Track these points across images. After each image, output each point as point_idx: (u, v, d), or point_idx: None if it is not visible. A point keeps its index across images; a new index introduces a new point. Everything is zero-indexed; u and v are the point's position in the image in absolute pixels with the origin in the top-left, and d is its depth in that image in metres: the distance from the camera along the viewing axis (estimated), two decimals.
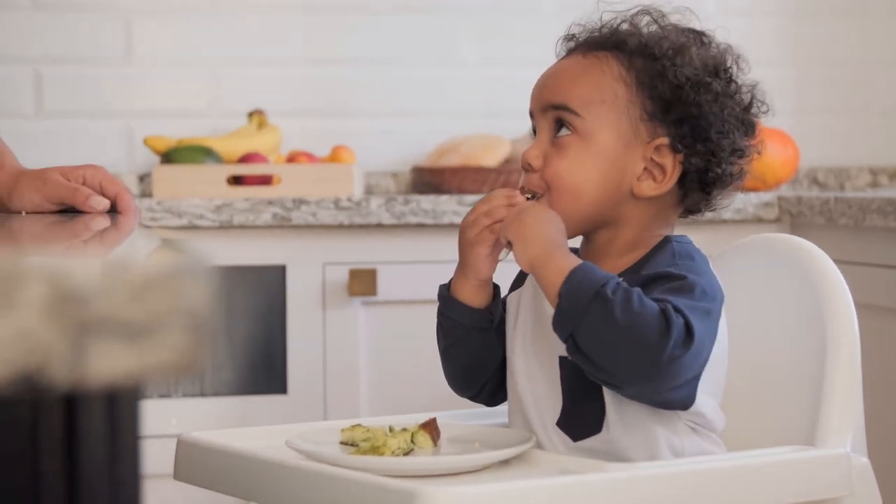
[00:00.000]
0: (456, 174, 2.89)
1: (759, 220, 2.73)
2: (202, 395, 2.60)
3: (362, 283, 2.62)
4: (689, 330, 1.48)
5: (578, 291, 1.49)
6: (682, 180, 1.64)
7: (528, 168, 1.64)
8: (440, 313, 1.69)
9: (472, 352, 1.69)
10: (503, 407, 1.73)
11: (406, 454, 1.55)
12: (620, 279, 1.52)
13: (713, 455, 1.58)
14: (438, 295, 1.69)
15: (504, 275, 1.68)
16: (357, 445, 1.57)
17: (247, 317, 2.63)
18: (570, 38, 1.70)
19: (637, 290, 1.49)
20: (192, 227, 2.60)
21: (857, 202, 2.42)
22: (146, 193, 2.99)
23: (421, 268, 2.64)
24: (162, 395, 2.60)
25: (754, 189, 2.88)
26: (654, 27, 1.67)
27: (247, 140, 2.95)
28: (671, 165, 1.62)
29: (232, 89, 3.10)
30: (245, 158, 2.86)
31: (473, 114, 3.16)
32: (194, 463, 1.62)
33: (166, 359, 0.64)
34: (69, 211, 1.78)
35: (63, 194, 1.77)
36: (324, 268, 2.63)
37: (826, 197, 2.55)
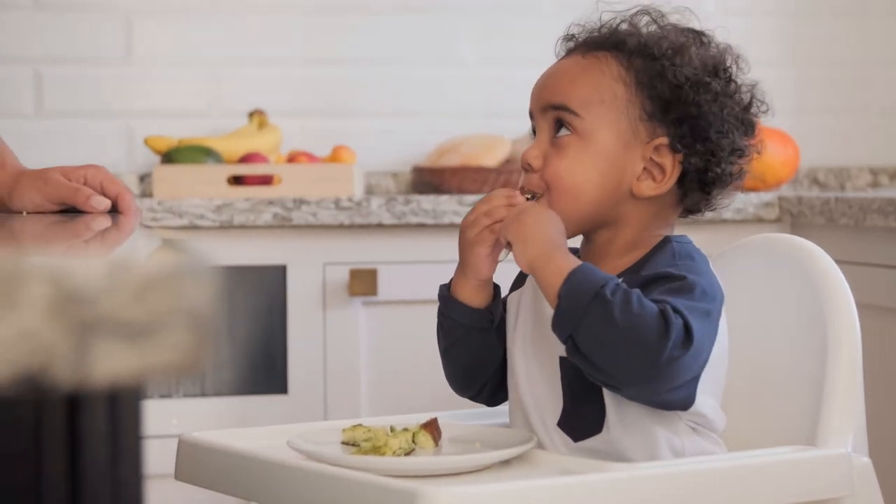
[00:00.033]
0: (456, 174, 2.89)
1: (759, 220, 2.73)
2: (203, 395, 2.60)
3: (363, 283, 2.62)
4: (688, 331, 1.48)
5: (578, 292, 1.49)
6: (681, 180, 1.64)
7: (527, 168, 1.64)
8: (440, 313, 1.69)
9: (473, 352, 1.69)
10: (504, 407, 1.73)
11: (407, 454, 1.55)
12: (620, 280, 1.52)
13: (714, 455, 1.58)
14: (439, 295, 1.69)
15: (504, 275, 1.68)
16: (358, 445, 1.57)
17: (247, 317, 2.63)
18: (569, 38, 1.70)
19: (636, 291, 1.49)
20: (193, 228, 2.60)
21: (857, 202, 2.42)
22: (146, 193, 2.99)
23: (421, 268, 2.64)
24: (163, 396, 2.60)
25: (754, 189, 2.88)
26: (653, 27, 1.67)
27: (247, 140, 2.95)
28: (670, 165, 1.62)
29: (232, 89, 3.10)
30: (245, 158, 2.86)
31: (473, 114, 3.16)
32: (195, 463, 1.62)
33: (168, 359, 0.64)
34: (70, 211, 1.78)
35: (64, 194, 1.77)
36: (324, 268, 2.63)
37: (826, 197, 2.55)
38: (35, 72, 3.04)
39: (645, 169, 1.63)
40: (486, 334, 1.68)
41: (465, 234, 1.63)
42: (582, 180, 1.62)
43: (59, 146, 3.03)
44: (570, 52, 1.69)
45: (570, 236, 1.60)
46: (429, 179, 2.93)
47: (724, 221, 2.71)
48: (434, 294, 1.70)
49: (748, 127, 1.66)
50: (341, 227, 2.64)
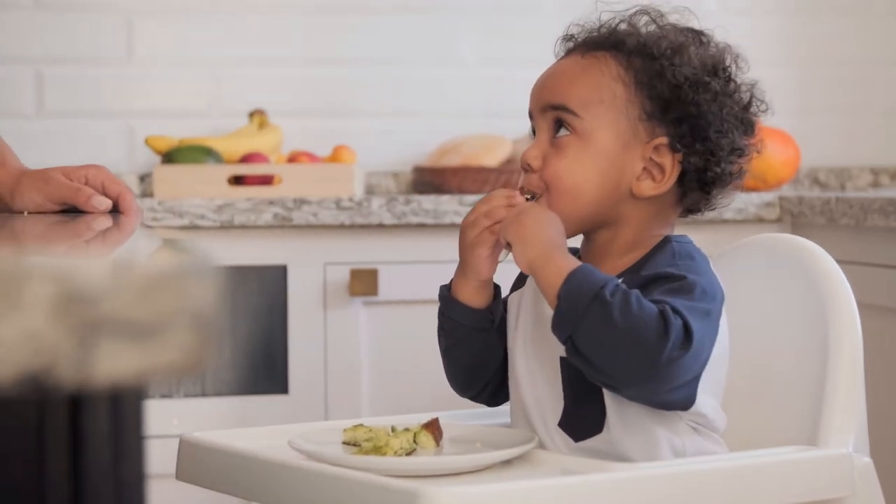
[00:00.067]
0: (457, 174, 2.89)
1: (760, 220, 2.73)
2: (203, 395, 2.60)
3: (363, 283, 2.62)
4: (687, 331, 1.48)
5: (577, 293, 1.49)
6: (681, 180, 1.64)
7: (527, 168, 1.64)
8: (441, 314, 1.69)
9: (473, 352, 1.69)
10: (505, 407, 1.73)
11: (408, 454, 1.55)
12: (619, 281, 1.52)
13: (715, 455, 1.58)
14: (439, 295, 1.69)
15: (505, 275, 1.68)
16: (359, 445, 1.57)
17: (248, 317, 2.63)
18: (568, 38, 1.70)
19: (636, 291, 1.49)
20: (193, 227, 2.60)
21: (858, 202, 2.42)
22: (147, 193, 2.99)
23: (422, 268, 2.64)
24: (163, 396, 2.60)
25: (755, 189, 2.88)
26: (652, 27, 1.67)
27: (248, 140, 2.95)
28: (670, 165, 1.62)
29: (232, 89, 3.10)
30: (246, 158, 2.86)
31: (474, 114, 3.16)
32: (196, 463, 1.62)
33: (172, 359, 0.64)
34: (71, 211, 1.78)
35: (65, 194, 1.77)
36: (325, 268, 2.63)
37: (827, 197, 2.55)
38: (35, 72, 3.04)
39: (644, 169, 1.63)
40: (487, 335, 1.68)
41: (466, 235, 1.63)
42: (581, 180, 1.62)
43: (59, 146, 3.03)
44: (569, 52, 1.69)
45: (569, 236, 1.60)
46: (429, 179, 2.93)
47: (725, 221, 2.71)
48: (435, 294, 1.70)
49: (748, 126, 1.66)
50: (342, 227, 2.64)
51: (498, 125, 3.10)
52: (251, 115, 3.02)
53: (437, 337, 1.72)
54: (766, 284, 1.75)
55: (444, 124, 3.14)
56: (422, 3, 3.16)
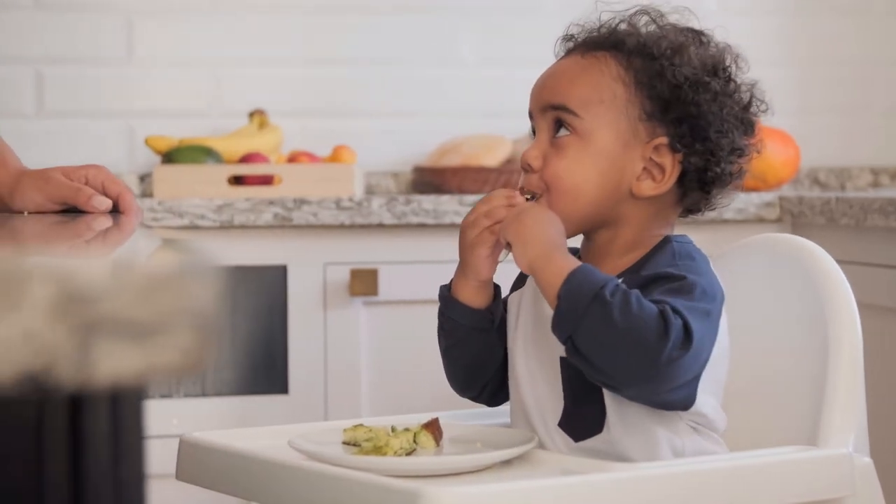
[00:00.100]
0: (457, 174, 2.89)
1: (760, 220, 2.73)
2: (203, 395, 2.60)
3: (363, 283, 2.62)
4: (687, 331, 1.48)
5: (577, 293, 1.49)
6: (681, 180, 1.64)
7: (527, 168, 1.64)
8: (441, 314, 1.69)
9: (473, 352, 1.69)
10: (505, 407, 1.73)
11: (409, 454, 1.55)
12: (619, 281, 1.52)
13: (715, 455, 1.58)
14: (439, 296, 1.69)
15: (505, 276, 1.68)
16: (359, 445, 1.57)
17: (248, 317, 2.63)
18: (568, 38, 1.70)
19: (635, 292, 1.49)
20: (193, 227, 2.60)
21: (858, 202, 2.42)
22: (147, 193, 2.99)
23: (422, 268, 2.64)
24: (163, 396, 2.60)
25: (755, 189, 2.88)
26: (652, 27, 1.67)
27: (248, 140, 2.95)
28: (670, 165, 1.62)
29: (232, 89, 3.10)
30: (246, 158, 2.86)
31: (474, 114, 3.16)
32: (196, 463, 1.62)
33: (172, 359, 0.64)
34: (71, 211, 1.78)
35: (65, 194, 1.77)
36: (325, 268, 2.63)
37: (827, 197, 2.55)
38: (36, 72, 3.04)
39: (644, 169, 1.63)
40: (487, 335, 1.68)
41: (465, 235, 1.63)
42: (581, 180, 1.62)
43: (59, 146, 3.03)
44: (569, 52, 1.69)
45: (569, 236, 1.60)
46: (429, 179, 2.93)
47: (725, 221, 2.71)
48: (435, 294, 1.70)
49: (748, 126, 1.66)
50: (342, 227, 2.64)
51: (498, 125, 3.10)
52: (251, 115, 3.02)
53: (437, 337, 1.72)
54: (766, 284, 1.75)
55: (444, 124, 3.14)
56: (422, 3, 3.16)
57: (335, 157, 2.96)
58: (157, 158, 2.95)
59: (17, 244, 1.02)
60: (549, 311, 1.53)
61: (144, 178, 3.04)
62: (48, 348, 0.62)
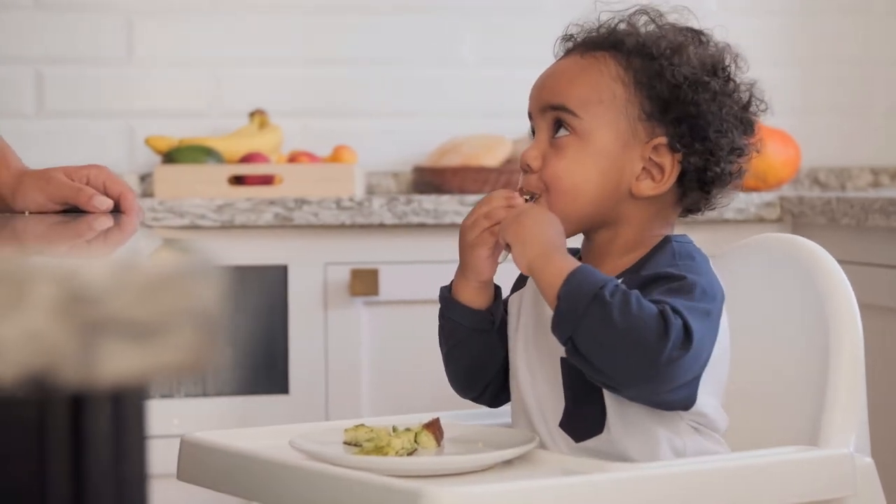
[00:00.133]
0: (457, 174, 2.89)
1: (760, 220, 2.73)
2: (204, 395, 2.60)
3: (364, 283, 2.62)
4: (687, 331, 1.48)
5: (577, 294, 1.49)
6: (680, 179, 1.64)
7: (526, 169, 1.64)
8: (441, 315, 1.69)
9: (474, 353, 1.69)
10: (506, 407, 1.73)
11: (410, 454, 1.55)
12: (619, 281, 1.52)
13: (716, 455, 1.58)
14: (439, 297, 1.69)
15: (505, 276, 1.68)
16: (360, 445, 1.57)
17: (249, 317, 2.63)
18: (567, 38, 1.70)
19: (635, 292, 1.49)
20: (194, 227, 2.60)
21: (859, 202, 2.42)
22: (147, 193, 2.99)
23: (423, 268, 2.64)
24: (164, 396, 2.60)
25: (756, 189, 2.88)
26: (651, 27, 1.67)
27: (248, 140, 2.95)
28: (670, 165, 1.62)
29: (232, 89, 3.10)
30: (246, 158, 2.86)
31: (474, 114, 3.16)
32: (197, 463, 1.62)
33: (175, 359, 0.64)
34: (73, 211, 1.78)
35: (67, 194, 1.77)
36: (325, 268, 2.63)
37: (828, 197, 2.55)
38: (36, 72, 3.04)
39: (644, 169, 1.62)
40: (488, 336, 1.68)
41: (465, 237, 1.63)
42: (581, 180, 1.61)
43: (59, 146, 3.03)
44: (568, 52, 1.69)
45: (568, 236, 1.60)
46: (430, 179, 2.93)
47: (726, 221, 2.71)
48: (435, 294, 1.70)
49: (747, 126, 1.66)
50: (342, 226, 2.64)
51: (498, 125, 3.10)
52: (252, 114, 3.02)
53: (437, 339, 1.71)
54: (767, 284, 1.75)
55: (444, 124, 3.14)
56: (422, 3, 3.16)
57: (336, 157, 2.96)
58: (158, 158, 2.95)
59: (19, 244, 1.02)
60: (550, 312, 1.53)
61: (145, 178, 3.04)
62: (51, 348, 0.62)
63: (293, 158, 2.91)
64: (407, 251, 2.65)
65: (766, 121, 1.71)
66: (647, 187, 1.62)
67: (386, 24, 3.14)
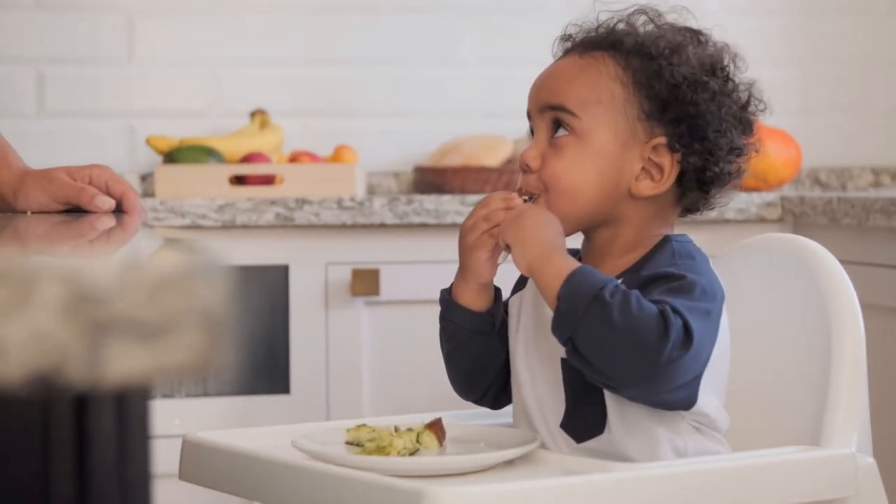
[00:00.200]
0: (458, 174, 2.89)
1: (761, 220, 2.73)
2: (205, 395, 2.60)
3: (365, 283, 2.62)
4: (687, 331, 1.48)
5: (577, 294, 1.49)
6: (680, 179, 1.64)
7: (525, 169, 1.64)
8: (442, 318, 1.69)
9: (475, 355, 1.69)
10: (507, 408, 1.73)
11: (412, 454, 1.55)
12: (619, 282, 1.52)
13: (718, 455, 1.58)
14: (440, 300, 1.69)
15: (506, 278, 1.68)
16: (362, 445, 1.57)
17: (250, 317, 2.63)
18: (566, 38, 1.70)
19: (635, 292, 1.49)
20: (195, 227, 2.60)
21: (860, 202, 2.42)
22: (148, 193, 2.99)
23: (423, 268, 2.64)
24: (165, 396, 2.60)
25: (756, 189, 2.88)
26: (650, 26, 1.67)
27: (249, 140, 2.95)
28: (669, 165, 1.62)
29: (232, 89, 3.10)
30: (247, 158, 2.86)
31: (474, 114, 3.16)
32: (199, 463, 1.62)
33: (181, 359, 0.64)
34: (75, 211, 1.78)
35: (69, 194, 1.77)
36: (326, 268, 2.63)
37: (829, 197, 2.55)
38: (36, 72, 3.04)
39: (643, 169, 1.62)
40: (488, 338, 1.67)
41: (465, 239, 1.63)
42: (580, 180, 1.61)
43: (60, 146, 3.03)
44: (567, 52, 1.69)
45: (568, 235, 1.60)
46: (431, 179, 2.93)
47: (727, 221, 2.71)
48: (436, 294, 1.70)
49: (746, 126, 1.66)
50: (343, 226, 2.64)
51: (498, 125, 3.10)
52: (252, 114, 3.02)
53: (438, 340, 1.71)
54: (768, 284, 1.75)
55: (445, 124, 3.14)
56: (422, 3, 3.16)
57: (336, 156, 2.96)
58: (159, 158, 2.95)
59: (21, 244, 1.02)
60: (550, 313, 1.53)
61: (146, 178, 3.04)
62: (57, 348, 0.62)
63: (294, 158, 2.91)
64: (408, 251, 2.65)
65: (766, 121, 1.71)
66: (646, 187, 1.62)
67: (386, 24, 3.14)
